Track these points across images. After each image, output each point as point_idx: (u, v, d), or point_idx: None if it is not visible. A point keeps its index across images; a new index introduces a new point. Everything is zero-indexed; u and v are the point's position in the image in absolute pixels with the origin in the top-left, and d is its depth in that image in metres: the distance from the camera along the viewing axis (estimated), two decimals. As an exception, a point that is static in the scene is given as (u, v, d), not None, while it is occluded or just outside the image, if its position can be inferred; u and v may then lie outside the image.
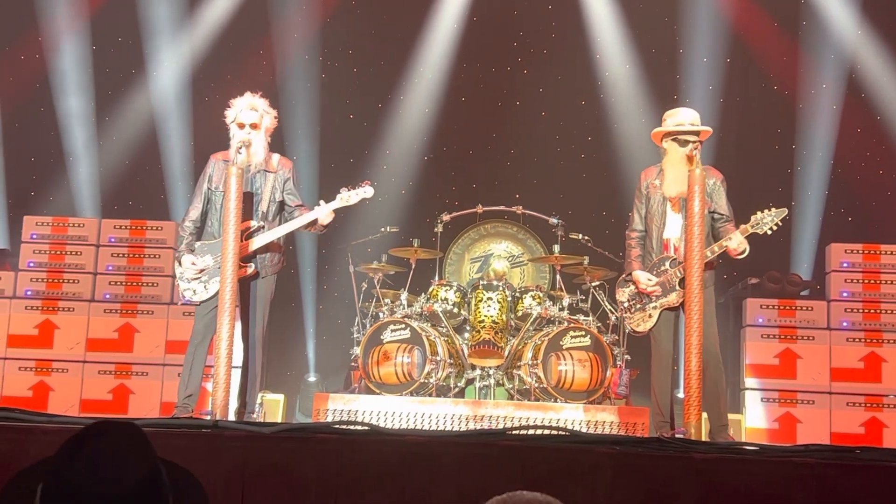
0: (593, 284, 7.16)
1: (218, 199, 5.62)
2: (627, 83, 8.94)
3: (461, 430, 5.97)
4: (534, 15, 9.17)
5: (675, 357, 5.83)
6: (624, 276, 5.79)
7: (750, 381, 7.29)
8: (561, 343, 6.54)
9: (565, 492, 3.19)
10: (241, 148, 5.48)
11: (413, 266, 7.39)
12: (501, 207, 8.06)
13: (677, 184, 5.50)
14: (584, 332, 6.58)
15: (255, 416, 5.84)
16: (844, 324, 7.37)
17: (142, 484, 1.93)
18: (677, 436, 4.90)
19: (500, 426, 5.99)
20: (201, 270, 5.59)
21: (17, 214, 8.33)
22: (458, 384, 6.77)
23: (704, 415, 5.34)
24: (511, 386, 6.79)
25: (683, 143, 5.52)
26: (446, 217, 7.64)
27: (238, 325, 5.50)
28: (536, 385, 6.51)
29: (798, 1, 8.81)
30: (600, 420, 6.17)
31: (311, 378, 8.39)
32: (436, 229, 7.63)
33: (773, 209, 5.47)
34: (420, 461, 3.60)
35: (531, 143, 9.01)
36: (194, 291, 5.61)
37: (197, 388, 5.58)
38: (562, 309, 6.97)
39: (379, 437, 3.91)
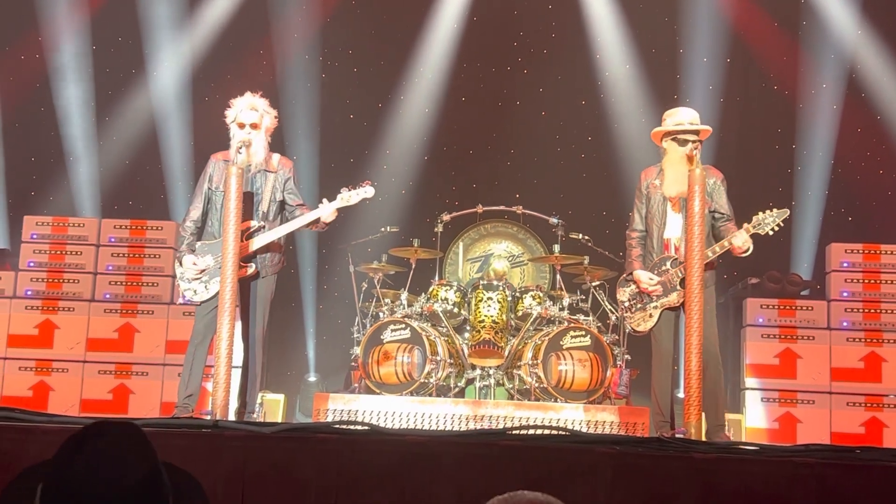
0: (593, 284, 7.16)
1: (218, 199, 5.62)
2: (627, 83, 8.93)
3: (461, 430, 5.97)
4: (534, 15, 9.17)
5: (676, 357, 5.82)
6: (625, 275, 5.79)
7: (750, 381, 7.28)
8: (561, 343, 6.53)
9: (565, 492, 3.19)
10: (241, 148, 5.48)
11: (413, 266, 7.39)
12: (501, 207, 8.06)
13: (677, 183, 5.49)
14: (584, 332, 6.58)
15: (255, 416, 5.85)
16: (844, 324, 7.36)
17: (142, 484, 1.93)
18: (677, 436, 4.89)
19: (501, 426, 5.98)
20: (202, 270, 5.58)
21: (17, 214, 8.33)
22: (459, 384, 6.77)
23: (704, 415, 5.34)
24: (511, 386, 6.79)
25: (683, 143, 5.51)
26: (446, 217, 7.64)
27: (238, 325, 5.51)
28: (536, 385, 6.51)
29: (798, 1, 8.81)
30: (600, 420, 6.16)
31: (312, 378, 8.39)
32: (436, 229, 7.63)
33: (775, 210, 5.45)
34: (420, 461, 3.60)
35: (531, 142, 9.01)
36: (195, 291, 5.61)
37: (197, 388, 5.58)
38: (562, 309, 6.97)
39: (379, 437, 3.91)
